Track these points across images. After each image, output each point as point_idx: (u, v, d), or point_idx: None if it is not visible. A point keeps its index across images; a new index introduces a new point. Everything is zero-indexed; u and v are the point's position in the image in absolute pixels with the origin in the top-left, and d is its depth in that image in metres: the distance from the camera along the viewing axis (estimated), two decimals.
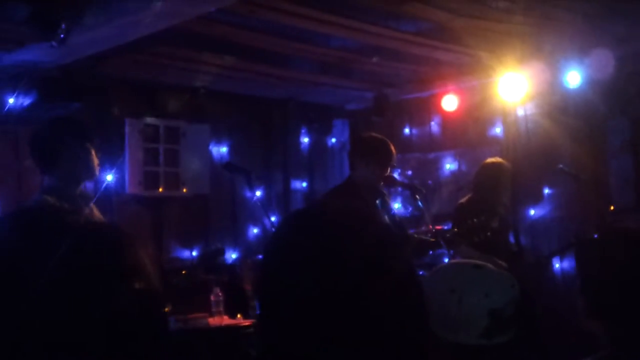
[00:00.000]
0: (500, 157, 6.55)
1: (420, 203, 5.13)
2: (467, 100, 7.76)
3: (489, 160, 6.20)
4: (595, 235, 5.19)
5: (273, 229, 4.70)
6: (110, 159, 6.39)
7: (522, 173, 6.97)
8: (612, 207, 6.49)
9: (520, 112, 7.42)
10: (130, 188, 6.70)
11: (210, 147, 7.52)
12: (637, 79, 6.53)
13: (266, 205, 4.68)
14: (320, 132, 8.71)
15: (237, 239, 7.73)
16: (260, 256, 7.12)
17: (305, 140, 8.59)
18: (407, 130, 8.52)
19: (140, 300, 1.22)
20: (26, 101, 5.83)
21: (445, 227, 6.53)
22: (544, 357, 5.76)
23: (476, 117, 7.76)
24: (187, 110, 7.25)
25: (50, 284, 1.10)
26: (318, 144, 8.69)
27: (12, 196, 5.94)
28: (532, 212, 7.24)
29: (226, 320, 6.23)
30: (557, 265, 6.96)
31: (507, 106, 7.43)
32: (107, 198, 6.27)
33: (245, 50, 6.31)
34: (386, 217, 4.75)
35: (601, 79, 6.48)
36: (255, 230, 7.86)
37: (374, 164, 4.97)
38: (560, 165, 6.20)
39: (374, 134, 5.27)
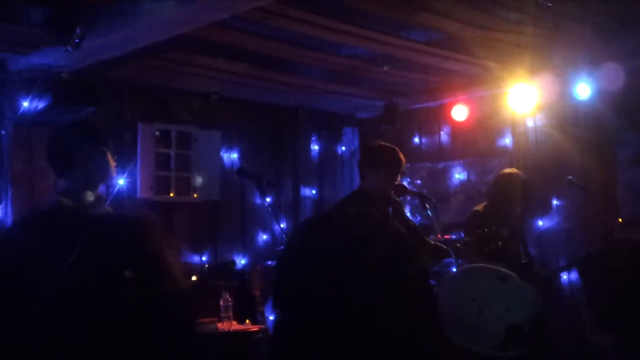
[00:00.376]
0: (509, 167, 6.56)
1: (429, 212, 5.15)
2: (476, 110, 7.78)
3: (505, 170, 6.21)
4: (601, 248, 5.19)
5: (284, 236, 4.73)
6: (122, 163, 6.42)
7: (531, 184, 6.98)
8: (620, 220, 6.49)
9: (530, 123, 7.44)
10: (141, 192, 6.73)
11: (221, 153, 7.55)
12: None
13: (276, 211, 4.69)
14: (330, 140, 8.73)
15: (247, 245, 7.76)
16: (269, 262, 7.19)
17: (315, 147, 8.61)
18: (416, 140, 8.54)
19: (167, 307, 1.15)
20: (40, 105, 5.87)
21: (454, 237, 6.54)
22: None
23: (486, 127, 7.78)
24: (198, 116, 7.28)
25: (64, 288, 1.06)
26: (328, 152, 8.72)
27: (24, 198, 5.97)
28: (540, 223, 7.25)
29: (235, 325, 6.25)
30: (564, 277, 6.97)
31: (517, 117, 7.45)
32: (119, 202, 6.31)
33: (257, 58, 6.35)
34: (399, 225, 4.74)
35: (611, 92, 6.50)
36: (265, 237, 7.88)
37: (383, 172, 4.99)
38: (569, 177, 6.21)
39: (382, 143, 5.29)
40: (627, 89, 6.38)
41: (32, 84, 5.81)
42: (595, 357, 2.32)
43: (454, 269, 5.33)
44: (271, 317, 6.50)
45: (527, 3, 5.15)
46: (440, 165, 8.26)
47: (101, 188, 4.19)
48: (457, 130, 8.13)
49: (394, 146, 5.14)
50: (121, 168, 6.40)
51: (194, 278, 6.44)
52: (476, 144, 7.94)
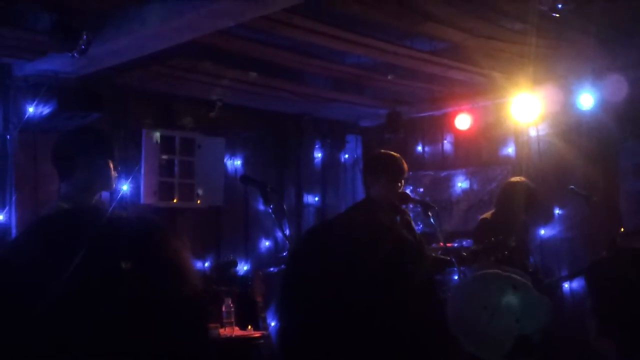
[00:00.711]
0: (512, 177, 6.57)
1: (432, 220, 5.16)
2: (480, 119, 7.80)
3: (513, 179, 6.20)
4: (605, 256, 5.19)
5: (288, 243, 4.73)
6: (127, 169, 6.44)
7: (539, 193, 6.98)
8: (622, 229, 6.49)
9: (533, 133, 7.45)
10: (145, 198, 6.74)
11: (225, 159, 7.57)
12: None
13: (279, 218, 4.71)
14: (333, 148, 8.75)
15: (249, 251, 7.77)
16: (272, 268, 7.20)
17: (319, 155, 8.63)
18: (419, 148, 8.55)
19: (183, 309, 1.13)
20: (45, 110, 5.88)
21: (456, 245, 6.55)
22: None
23: (489, 136, 7.79)
24: (203, 123, 7.30)
25: (77, 290, 1.05)
26: (331, 160, 8.73)
27: (28, 203, 5.99)
28: (542, 231, 7.25)
29: (237, 331, 6.26)
30: (566, 286, 6.97)
31: (520, 126, 7.47)
32: (123, 208, 6.32)
33: (262, 65, 6.37)
34: (406, 232, 4.75)
35: (614, 102, 6.51)
36: (267, 243, 7.90)
37: (384, 180, 5.02)
38: (572, 186, 6.21)
39: (384, 151, 5.33)
40: (630, 99, 6.40)
41: (37, 89, 5.83)
42: None
43: (456, 277, 5.34)
44: (273, 323, 6.51)
45: (530, 13, 5.16)
46: (443, 173, 8.27)
47: (105, 194, 4.22)
48: (460, 139, 8.14)
49: (395, 154, 5.16)
50: (125, 174, 6.42)
51: None
52: (479, 153, 7.96)
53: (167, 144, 6.96)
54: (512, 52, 6.11)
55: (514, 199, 5.90)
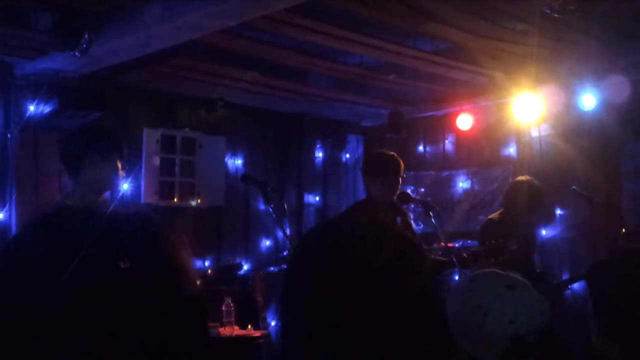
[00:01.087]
0: (513, 177, 6.56)
1: (433, 220, 5.15)
2: (481, 119, 7.80)
3: (519, 178, 6.17)
4: (607, 257, 5.18)
5: (288, 242, 4.73)
6: (127, 168, 6.43)
7: (545, 191, 6.97)
8: (623, 230, 6.49)
9: (535, 133, 7.45)
10: (145, 197, 6.74)
11: (226, 159, 7.56)
12: None
13: (280, 218, 4.70)
14: (334, 148, 8.75)
15: (250, 250, 7.77)
16: (272, 268, 7.20)
17: (320, 155, 8.63)
18: (421, 148, 8.55)
19: (183, 306, 1.14)
20: (46, 109, 5.88)
21: (457, 245, 6.54)
22: None
23: (490, 137, 7.80)
24: (204, 122, 7.30)
25: (68, 289, 1.06)
26: (332, 159, 8.73)
27: (29, 201, 5.99)
28: (543, 232, 7.25)
29: (237, 330, 6.25)
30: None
31: (522, 127, 7.47)
32: (123, 206, 6.31)
33: (264, 65, 6.37)
34: (407, 232, 4.74)
35: (616, 103, 6.51)
36: (268, 243, 7.90)
37: (380, 180, 5.01)
38: (573, 187, 6.21)
39: (380, 151, 5.33)
40: (632, 100, 6.40)
41: (38, 88, 5.83)
42: None
43: (457, 277, 5.33)
44: (273, 323, 6.51)
45: (533, 14, 5.16)
46: (445, 173, 8.27)
47: (106, 193, 4.22)
48: (461, 139, 8.14)
49: (391, 153, 5.15)
50: (126, 173, 6.41)
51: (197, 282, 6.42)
52: (481, 153, 7.96)
53: (167, 143, 6.96)
54: (514, 53, 6.11)
55: (521, 198, 5.87)
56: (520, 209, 5.82)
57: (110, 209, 1.24)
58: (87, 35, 4.92)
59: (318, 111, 8.13)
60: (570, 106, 6.91)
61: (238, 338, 6.18)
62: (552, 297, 6.37)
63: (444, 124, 8.22)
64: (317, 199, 8.52)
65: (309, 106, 7.89)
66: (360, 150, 8.91)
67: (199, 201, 7.15)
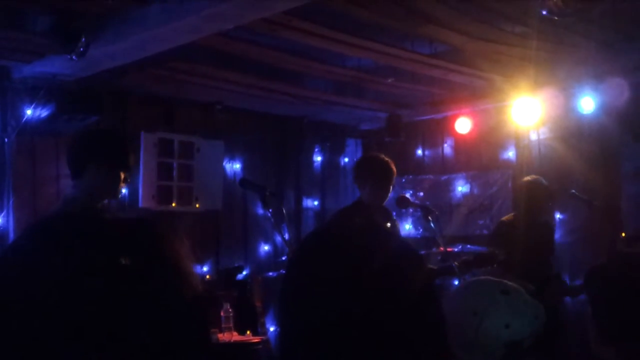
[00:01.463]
0: (512, 181, 6.54)
1: (432, 224, 5.13)
2: (480, 123, 7.79)
3: (525, 178, 6.10)
4: (606, 261, 5.15)
5: (287, 247, 4.71)
6: (130, 178, 6.42)
7: (554, 191, 6.95)
8: (623, 234, 6.47)
9: (534, 137, 7.45)
10: (143, 202, 6.72)
11: (224, 163, 7.55)
12: None
13: (278, 222, 4.69)
14: (333, 151, 8.74)
15: (248, 255, 7.75)
16: (271, 273, 7.18)
17: (318, 158, 8.62)
18: (419, 152, 8.55)
19: (180, 310, 1.13)
20: (44, 113, 5.88)
21: (456, 249, 6.52)
22: None
23: (489, 140, 7.78)
24: (202, 126, 7.29)
25: (66, 295, 1.05)
26: (331, 163, 8.72)
27: (26, 206, 5.97)
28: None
29: (235, 336, 6.24)
30: None
31: (521, 130, 7.46)
32: (122, 211, 6.30)
33: (262, 68, 6.36)
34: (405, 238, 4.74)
35: (615, 105, 6.50)
36: (266, 247, 7.88)
37: (370, 184, 4.99)
38: (573, 190, 6.19)
39: (373, 155, 5.32)
40: (631, 103, 6.39)
41: (36, 92, 5.82)
42: None
43: (457, 282, 5.31)
44: (272, 328, 6.49)
45: (531, 16, 5.15)
46: (443, 177, 8.26)
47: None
48: (460, 143, 8.13)
49: (382, 156, 5.12)
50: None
51: None
52: (479, 156, 7.95)
53: (165, 147, 6.94)
54: (512, 56, 6.10)
55: (524, 198, 5.81)
56: (531, 210, 5.76)
57: (111, 214, 1.23)
58: (84, 39, 4.92)
59: (316, 115, 8.12)
60: (569, 109, 6.90)
61: (237, 344, 6.17)
62: (562, 299, 6.34)
63: (443, 128, 8.21)
64: (316, 203, 8.51)
65: (307, 110, 7.88)
66: (359, 154, 8.90)
67: (197, 205, 7.13)
